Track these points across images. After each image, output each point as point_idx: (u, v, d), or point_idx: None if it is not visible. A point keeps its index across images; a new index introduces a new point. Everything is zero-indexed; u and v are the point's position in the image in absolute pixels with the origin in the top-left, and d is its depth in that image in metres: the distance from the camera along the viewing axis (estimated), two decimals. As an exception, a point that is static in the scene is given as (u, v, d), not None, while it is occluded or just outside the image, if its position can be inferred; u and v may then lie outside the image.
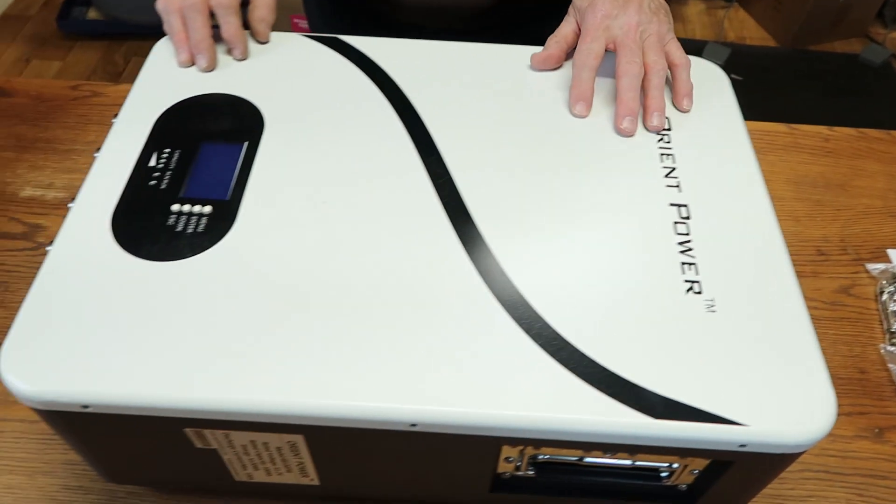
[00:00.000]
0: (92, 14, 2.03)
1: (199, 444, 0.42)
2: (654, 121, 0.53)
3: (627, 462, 0.44)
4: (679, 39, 0.58)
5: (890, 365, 0.61)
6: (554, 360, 0.40)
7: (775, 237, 0.47)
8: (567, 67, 0.58)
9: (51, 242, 0.45)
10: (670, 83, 0.56)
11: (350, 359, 0.40)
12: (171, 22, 0.56)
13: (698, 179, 0.50)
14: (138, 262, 0.43)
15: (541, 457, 0.44)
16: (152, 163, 0.49)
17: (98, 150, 0.50)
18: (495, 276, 0.44)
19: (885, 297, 0.65)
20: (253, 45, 0.58)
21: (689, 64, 0.56)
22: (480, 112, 0.54)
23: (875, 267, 0.68)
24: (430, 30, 0.71)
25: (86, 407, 0.39)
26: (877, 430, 0.58)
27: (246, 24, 0.58)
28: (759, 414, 0.38)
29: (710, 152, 0.52)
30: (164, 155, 0.49)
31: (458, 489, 0.47)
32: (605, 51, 0.56)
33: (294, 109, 0.53)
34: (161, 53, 0.57)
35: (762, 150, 0.52)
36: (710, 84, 0.57)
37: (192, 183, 0.48)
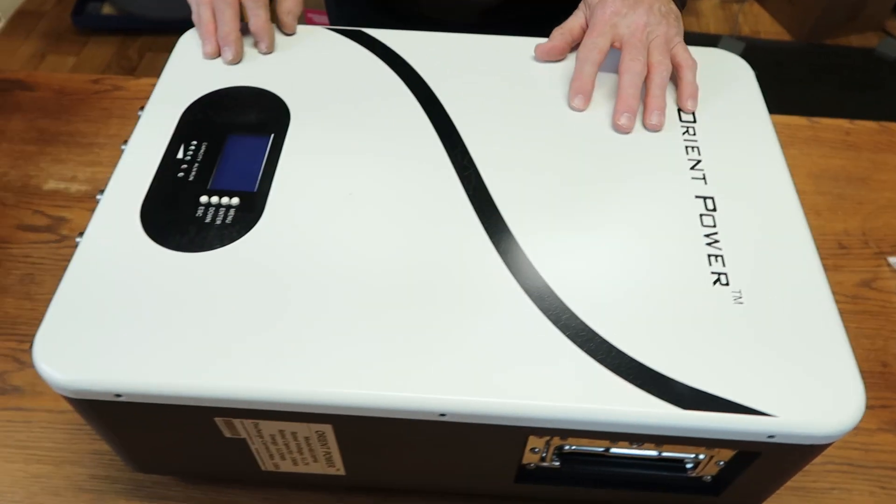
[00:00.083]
0: (106, 9, 2.04)
1: (227, 434, 0.43)
2: (654, 119, 0.53)
3: (652, 453, 0.45)
4: (693, 34, 0.58)
5: (912, 358, 0.61)
6: (581, 351, 0.40)
7: (801, 228, 0.47)
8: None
9: (80, 234, 0.45)
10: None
11: (379, 349, 0.40)
12: (200, 13, 0.57)
13: (724, 171, 0.50)
14: (168, 252, 0.44)
15: (566, 447, 0.44)
16: (180, 155, 0.49)
17: (125, 142, 0.50)
18: (522, 268, 0.44)
19: (907, 290, 0.65)
20: (278, 38, 0.59)
21: (695, 66, 0.56)
22: (505, 104, 0.54)
23: (897, 260, 0.68)
24: (446, 22, 0.71)
25: (118, 396, 0.39)
26: (899, 424, 0.57)
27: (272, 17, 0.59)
28: (788, 405, 0.39)
29: (735, 144, 0.52)
30: (192, 147, 0.50)
31: (482, 480, 0.48)
32: (612, 49, 0.56)
33: (319, 102, 0.53)
34: (186, 46, 0.58)
35: (783, 143, 0.52)
36: (735, 76, 0.57)
37: (220, 175, 0.48)
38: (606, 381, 0.39)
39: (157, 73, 0.57)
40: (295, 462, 0.46)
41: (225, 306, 0.41)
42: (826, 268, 0.45)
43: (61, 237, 0.67)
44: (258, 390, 0.39)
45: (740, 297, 0.43)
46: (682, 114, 0.54)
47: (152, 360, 0.39)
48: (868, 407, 0.58)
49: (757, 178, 0.50)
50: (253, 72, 0.56)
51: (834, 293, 0.44)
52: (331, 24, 0.67)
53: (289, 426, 0.42)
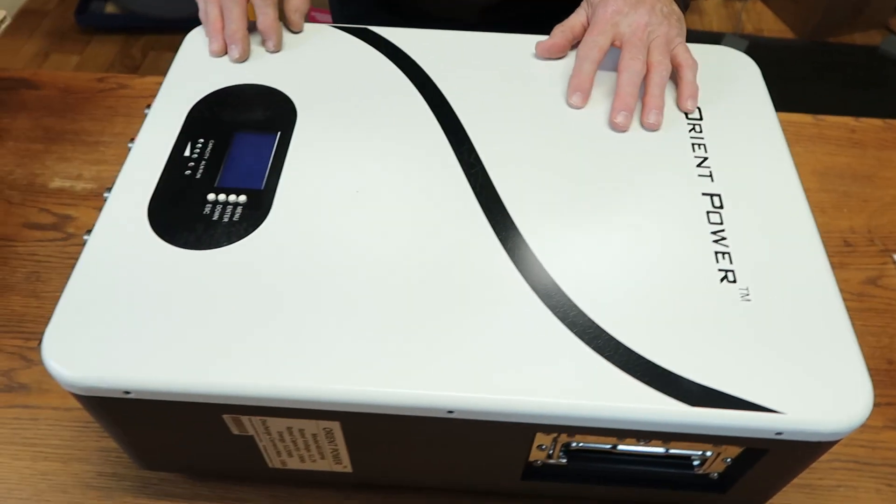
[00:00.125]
0: (109, 8, 2.05)
1: (235, 431, 0.43)
2: (651, 118, 0.53)
3: (659, 450, 0.45)
4: (696, 32, 0.58)
5: (918, 356, 0.61)
6: (589, 348, 0.40)
7: (808, 225, 0.47)
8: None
9: (88, 231, 0.45)
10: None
11: (388, 346, 0.40)
12: (208, 10, 0.57)
13: (730, 169, 0.50)
14: (176, 250, 0.44)
15: (574, 444, 0.44)
16: (187, 153, 0.49)
17: (132, 140, 0.50)
18: (529, 265, 0.44)
19: (913, 288, 0.65)
20: (283, 36, 0.59)
21: (695, 66, 0.56)
22: (511, 102, 0.54)
23: (902, 258, 0.68)
24: (447, 20, 0.71)
25: (127, 393, 0.39)
26: (906, 421, 0.57)
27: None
28: (796, 401, 0.39)
29: (741, 141, 0.52)
30: (199, 145, 0.50)
31: (489, 477, 0.48)
32: (612, 47, 0.56)
33: (325, 99, 0.53)
34: (193, 44, 0.58)
35: (788, 141, 0.52)
36: (741, 73, 0.57)
37: (227, 172, 0.48)
38: (614, 378, 0.39)
39: (160, 71, 0.57)
40: (302, 459, 0.46)
41: (233, 303, 0.41)
42: (831, 265, 0.45)
43: (67, 235, 0.67)
44: (266, 387, 0.39)
45: (748, 295, 0.43)
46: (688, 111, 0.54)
47: (161, 356, 0.39)
48: (874, 404, 0.58)
49: (764, 175, 0.50)
50: (259, 69, 0.56)
51: (840, 291, 0.44)
52: (334, 22, 0.67)
53: (297, 423, 0.42)
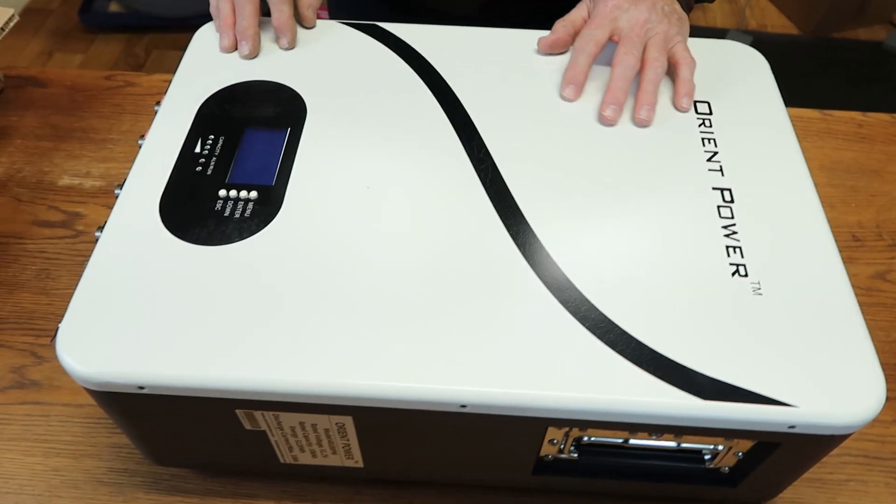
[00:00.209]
0: (113, 7, 2.05)
1: (248, 426, 0.43)
2: (642, 114, 0.53)
3: (670, 444, 0.45)
4: (700, 28, 0.58)
5: (928, 350, 0.61)
6: (601, 343, 0.40)
7: (819, 219, 0.47)
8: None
9: (100, 228, 0.45)
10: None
11: (400, 341, 0.40)
12: (220, 6, 0.57)
13: (740, 163, 0.50)
14: (188, 246, 0.44)
15: (585, 439, 0.44)
16: (197, 149, 0.49)
17: (142, 137, 0.51)
18: (541, 260, 0.44)
19: (921, 282, 0.65)
20: (293, 32, 0.59)
21: (694, 65, 0.55)
22: (520, 97, 0.54)
23: (911, 253, 0.67)
24: (447, 14, 0.71)
25: (142, 388, 0.39)
26: (915, 416, 0.57)
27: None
28: (809, 395, 0.39)
29: (751, 136, 0.52)
30: (209, 141, 0.50)
31: (501, 471, 0.48)
32: (612, 42, 0.56)
33: (335, 95, 0.53)
34: (203, 40, 0.58)
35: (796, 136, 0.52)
36: (749, 67, 0.57)
37: (238, 169, 0.48)
38: (626, 372, 0.39)
39: (164, 70, 0.57)
40: (314, 454, 0.46)
41: (246, 299, 0.42)
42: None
43: (76, 232, 0.67)
44: (280, 382, 0.39)
45: (759, 289, 0.43)
46: (698, 105, 0.54)
47: (175, 352, 0.39)
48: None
49: (774, 168, 0.50)
50: (269, 66, 0.56)
51: (849, 285, 0.44)
52: (330, 16, 0.67)
53: (309, 418, 0.42)
